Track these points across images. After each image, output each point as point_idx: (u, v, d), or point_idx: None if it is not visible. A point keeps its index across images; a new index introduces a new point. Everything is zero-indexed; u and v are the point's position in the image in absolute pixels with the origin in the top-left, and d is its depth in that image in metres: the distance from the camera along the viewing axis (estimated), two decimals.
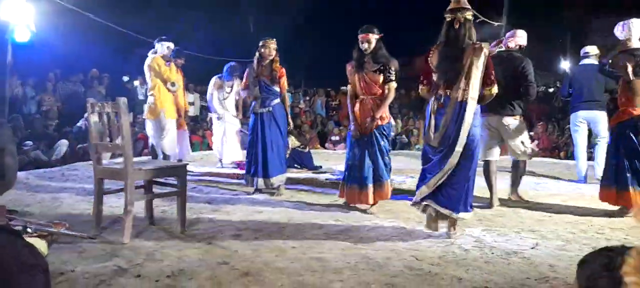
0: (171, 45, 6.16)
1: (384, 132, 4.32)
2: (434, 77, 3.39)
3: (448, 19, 3.34)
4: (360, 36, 4.26)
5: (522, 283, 2.61)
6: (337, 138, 11.58)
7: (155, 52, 6.14)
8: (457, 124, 3.22)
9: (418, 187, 3.42)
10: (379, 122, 4.26)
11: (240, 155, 7.04)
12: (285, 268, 2.76)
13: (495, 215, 4.27)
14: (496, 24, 13.18)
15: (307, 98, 14.34)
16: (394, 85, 4.27)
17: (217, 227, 3.69)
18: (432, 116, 3.34)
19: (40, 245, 2.71)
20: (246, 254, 3.02)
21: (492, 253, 3.13)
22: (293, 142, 7.27)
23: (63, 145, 7.59)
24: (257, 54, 5.06)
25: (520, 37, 4.73)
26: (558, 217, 4.20)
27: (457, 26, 3.29)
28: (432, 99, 3.38)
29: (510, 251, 3.17)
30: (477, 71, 3.21)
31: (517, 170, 4.83)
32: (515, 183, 4.85)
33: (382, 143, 4.29)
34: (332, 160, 8.21)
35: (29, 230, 2.95)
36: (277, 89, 5.06)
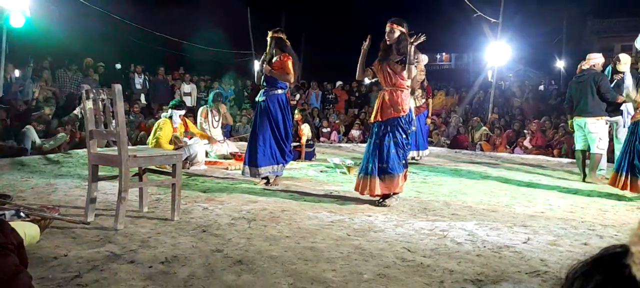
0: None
1: (402, 124, 4.23)
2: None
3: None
4: (387, 25, 4.23)
5: (513, 277, 2.62)
6: (328, 129, 11.75)
7: None
8: None
9: None
10: (395, 114, 4.20)
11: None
12: (279, 257, 2.77)
13: (488, 210, 4.30)
14: (493, 21, 13.20)
15: (302, 91, 14.31)
16: (412, 69, 4.16)
17: (212, 216, 3.69)
18: None
19: (33, 229, 2.70)
20: (240, 243, 3.02)
21: (484, 246, 3.15)
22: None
23: (61, 138, 7.49)
24: (267, 44, 5.07)
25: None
26: (550, 213, 4.24)
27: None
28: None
29: (502, 245, 3.19)
30: None
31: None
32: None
33: (398, 135, 4.21)
34: (328, 152, 8.21)
35: (22, 214, 2.93)
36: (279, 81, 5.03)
